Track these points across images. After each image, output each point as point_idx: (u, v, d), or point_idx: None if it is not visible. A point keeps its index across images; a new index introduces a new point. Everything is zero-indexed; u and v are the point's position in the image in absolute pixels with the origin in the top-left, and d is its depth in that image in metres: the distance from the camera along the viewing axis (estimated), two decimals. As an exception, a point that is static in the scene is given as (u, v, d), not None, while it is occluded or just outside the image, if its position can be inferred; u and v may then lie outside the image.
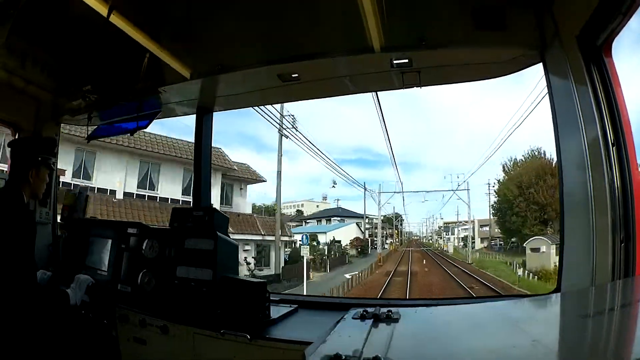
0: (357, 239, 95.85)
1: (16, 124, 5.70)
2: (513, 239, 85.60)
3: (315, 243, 75.72)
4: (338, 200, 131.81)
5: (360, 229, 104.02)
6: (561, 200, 3.71)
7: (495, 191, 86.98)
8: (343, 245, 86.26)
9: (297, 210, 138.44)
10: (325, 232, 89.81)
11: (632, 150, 3.17)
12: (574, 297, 2.67)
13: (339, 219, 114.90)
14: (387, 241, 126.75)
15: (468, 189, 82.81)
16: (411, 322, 2.11)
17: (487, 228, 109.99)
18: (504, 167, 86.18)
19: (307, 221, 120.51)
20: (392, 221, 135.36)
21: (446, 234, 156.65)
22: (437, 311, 2.44)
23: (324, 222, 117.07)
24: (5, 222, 3.72)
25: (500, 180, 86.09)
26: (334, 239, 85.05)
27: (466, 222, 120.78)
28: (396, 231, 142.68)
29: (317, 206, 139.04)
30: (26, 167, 4.04)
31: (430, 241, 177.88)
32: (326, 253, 72.91)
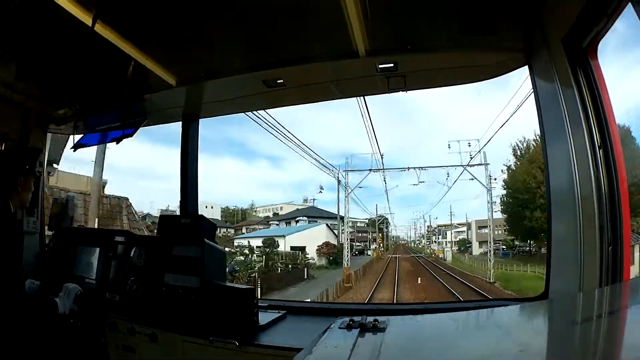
0: (326, 244, 79.22)
1: (3, 134, 5.67)
2: (520, 243, 75.01)
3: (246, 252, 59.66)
4: (314, 200, 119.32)
5: (334, 232, 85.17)
6: (548, 204, 3.72)
7: (504, 182, 70.77)
8: (309, 254, 71.39)
9: (274, 213, 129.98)
10: (284, 236, 75.58)
11: (618, 153, 3.18)
12: (562, 304, 2.67)
13: (306, 220, 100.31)
14: (372, 247, 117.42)
15: (487, 163, 56.83)
16: (398, 331, 2.10)
17: (486, 230, 79.84)
18: (514, 150, 72.45)
19: (272, 223, 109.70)
20: (376, 223, 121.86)
21: (437, 238, 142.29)
22: (424, 319, 2.44)
23: (293, 224, 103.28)
24: None
25: (512, 167, 71.90)
26: (273, 243, 67.49)
27: (460, 224, 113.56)
28: (380, 235, 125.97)
29: (298, 209, 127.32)
30: (14, 177, 4.03)
31: (420, 246, 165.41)
32: (263, 265, 54.77)
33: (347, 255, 59.69)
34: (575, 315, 2.13)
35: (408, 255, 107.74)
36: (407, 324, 2.30)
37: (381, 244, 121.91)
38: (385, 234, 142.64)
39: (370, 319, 2.14)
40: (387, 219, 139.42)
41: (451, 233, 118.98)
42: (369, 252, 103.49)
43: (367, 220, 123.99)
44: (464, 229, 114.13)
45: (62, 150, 6.13)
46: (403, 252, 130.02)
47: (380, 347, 1.88)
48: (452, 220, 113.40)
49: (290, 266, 62.33)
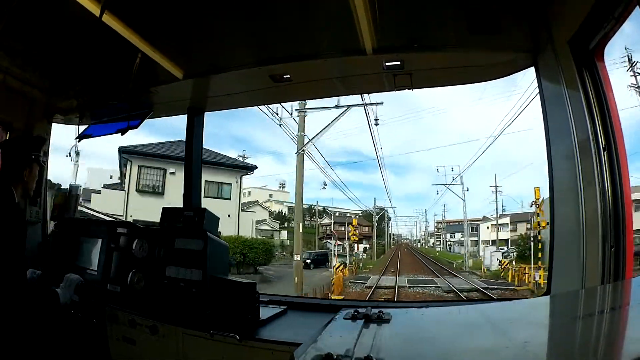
0: None
1: (7, 123, 5.68)
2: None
3: None
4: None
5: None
6: (552, 203, 3.72)
7: None
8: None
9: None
10: None
11: (623, 155, 3.19)
12: (564, 300, 2.68)
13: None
14: (359, 249, 76.40)
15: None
16: (402, 323, 2.12)
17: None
18: None
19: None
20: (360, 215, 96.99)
21: (451, 237, 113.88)
22: (428, 312, 2.45)
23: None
24: None
25: None
26: None
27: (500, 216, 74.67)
28: (352, 226, 59.08)
29: (271, 195, 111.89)
30: (20, 166, 4.04)
31: (436, 249, 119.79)
32: None
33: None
34: (577, 312, 2.15)
35: (425, 280, 46.90)
36: (411, 316, 2.32)
37: (354, 239, 59.21)
38: (381, 227, 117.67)
39: (375, 310, 2.15)
40: (384, 210, 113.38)
41: (488, 229, 79.60)
42: (330, 270, 54.46)
43: (360, 212, 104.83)
44: (504, 220, 78.74)
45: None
46: (410, 262, 75.52)
47: (385, 337, 1.90)
48: (499, 210, 71.10)
49: None
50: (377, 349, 1.70)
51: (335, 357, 1.54)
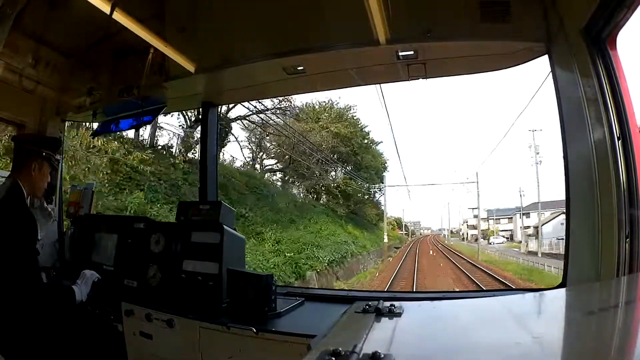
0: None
1: (21, 123, 5.72)
2: None
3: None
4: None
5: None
6: (567, 194, 3.69)
7: None
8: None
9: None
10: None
11: (637, 144, 3.16)
12: (579, 293, 2.66)
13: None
14: None
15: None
16: (414, 317, 2.10)
17: None
18: None
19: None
20: None
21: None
22: (440, 305, 2.43)
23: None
24: (4, 218, 3.72)
25: None
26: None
27: None
28: None
29: None
30: (29, 161, 4.04)
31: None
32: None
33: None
34: (592, 305, 2.13)
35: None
36: (423, 309, 2.30)
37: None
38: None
39: (386, 304, 2.13)
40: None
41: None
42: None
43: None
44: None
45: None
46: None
47: (395, 332, 1.89)
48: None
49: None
50: (386, 344, 1.69)
51: (342, 353, 1.53)
